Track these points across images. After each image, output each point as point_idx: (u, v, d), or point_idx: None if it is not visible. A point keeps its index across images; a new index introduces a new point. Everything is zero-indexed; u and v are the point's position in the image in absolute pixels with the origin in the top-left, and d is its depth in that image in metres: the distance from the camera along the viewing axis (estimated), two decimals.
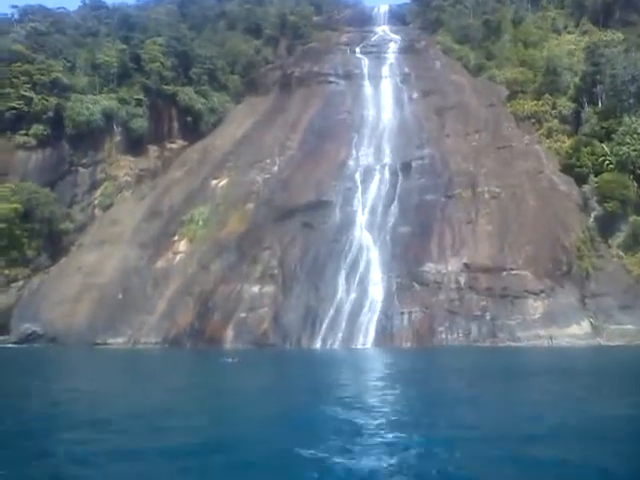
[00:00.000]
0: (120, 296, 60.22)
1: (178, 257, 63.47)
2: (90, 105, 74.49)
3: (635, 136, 57.63)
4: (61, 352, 52.73)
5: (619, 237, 55.57)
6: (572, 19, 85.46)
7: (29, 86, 73.22)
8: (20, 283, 62.93)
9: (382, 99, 79.14)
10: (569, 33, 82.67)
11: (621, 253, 54.62)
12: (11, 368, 39.35)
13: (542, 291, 51.37)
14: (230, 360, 39.00)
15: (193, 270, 60.96)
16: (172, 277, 61.02)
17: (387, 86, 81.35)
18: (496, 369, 32.96)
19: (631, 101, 61.55)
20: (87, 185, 73.57)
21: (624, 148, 57.34)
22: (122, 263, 63.71)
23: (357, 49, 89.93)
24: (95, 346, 55.69)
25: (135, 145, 77.88)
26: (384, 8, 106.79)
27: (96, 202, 73.43)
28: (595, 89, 65.06)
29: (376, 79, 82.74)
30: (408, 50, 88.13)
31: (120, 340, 56.50)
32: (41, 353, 51.07)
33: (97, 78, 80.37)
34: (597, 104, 64.91)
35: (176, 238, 65.50)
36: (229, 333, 53.98)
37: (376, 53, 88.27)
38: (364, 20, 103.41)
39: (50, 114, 72.41)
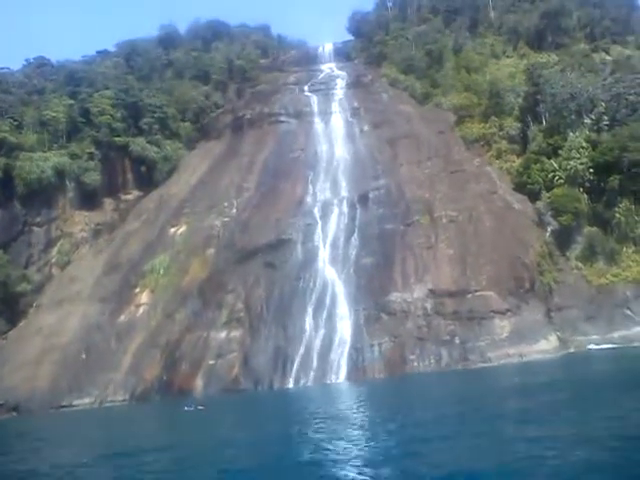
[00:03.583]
0: (83, 355, 58.31)
1: (141, 309, 62.02)
2: (40, 162, 73.09)
3: (580, 150, 59.45)
4: (23, 424, 49.34)
5: (576, 249, 56.74)
6: (509, 44, 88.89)
7: None
8: None
9: (334, 134, 79.99)
10: (508, 57, 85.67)
11: (580, 265, 55.67)
12: None
13: (508, 310, 51.69)
14: (192, 408, 38.25)
15: (157, 321, 59.67)
16: (136, 330, 59.51)
17: (338, 121, 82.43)
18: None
19: (573, 117, 63.71)
20: (42, 244, 71.62)
21: (571, 162, 59.10)
22: (83, 321, 61.89)
23: (305, 87, 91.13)
24: (60, 409, 53.60)
25: (89, 199, 76.65)
26: (328, 47, 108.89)
27: (53, 260, 71.53)
28: (538, 108, 67.23)
29: (326, 115, 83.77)
30: (355, 85, 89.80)
31: (86, 401, 54.47)
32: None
33: (46, 135, 79.19)
34: (541, 122, 66.94)
35: (138, 290, 64.10)
36: (198, 382, 52.75)
37: (324, 90, 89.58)
38: (310, 59, 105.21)
39: None
